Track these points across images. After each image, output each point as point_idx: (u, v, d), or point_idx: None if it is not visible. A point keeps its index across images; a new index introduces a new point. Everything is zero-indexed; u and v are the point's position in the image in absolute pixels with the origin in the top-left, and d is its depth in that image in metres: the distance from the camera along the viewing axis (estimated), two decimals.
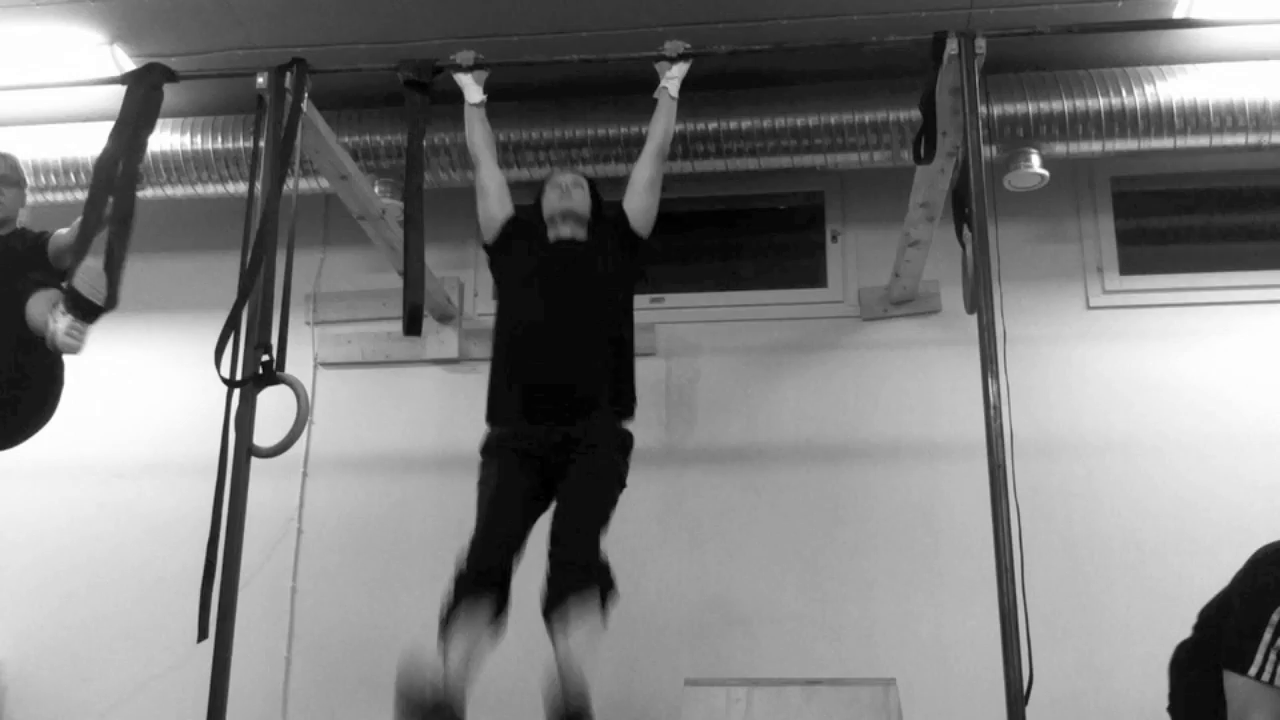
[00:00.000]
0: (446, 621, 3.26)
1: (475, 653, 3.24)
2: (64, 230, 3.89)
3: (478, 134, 3.93)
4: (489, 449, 3.62)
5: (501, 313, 3.82)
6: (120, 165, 3.69)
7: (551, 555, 3.31)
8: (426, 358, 5.34)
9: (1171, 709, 3.27)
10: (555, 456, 3.50)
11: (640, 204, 3.84)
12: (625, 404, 3.69)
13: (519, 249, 3.86)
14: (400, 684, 3.04)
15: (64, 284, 3.62)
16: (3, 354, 3.86)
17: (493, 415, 3.66)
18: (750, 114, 4.78)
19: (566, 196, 3.85)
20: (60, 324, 3.56)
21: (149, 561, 5.10)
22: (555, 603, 3.21)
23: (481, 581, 3.31)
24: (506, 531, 3.41)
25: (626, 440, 3.65)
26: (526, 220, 3.93)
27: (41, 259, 3.96)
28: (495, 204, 3.89)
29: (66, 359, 3.92)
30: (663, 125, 3.87)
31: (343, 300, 5.48)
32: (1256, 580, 3.11)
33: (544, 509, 3.50)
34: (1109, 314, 5.12)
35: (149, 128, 3.80)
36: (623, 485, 3.57)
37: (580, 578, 3.25)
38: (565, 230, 3.84)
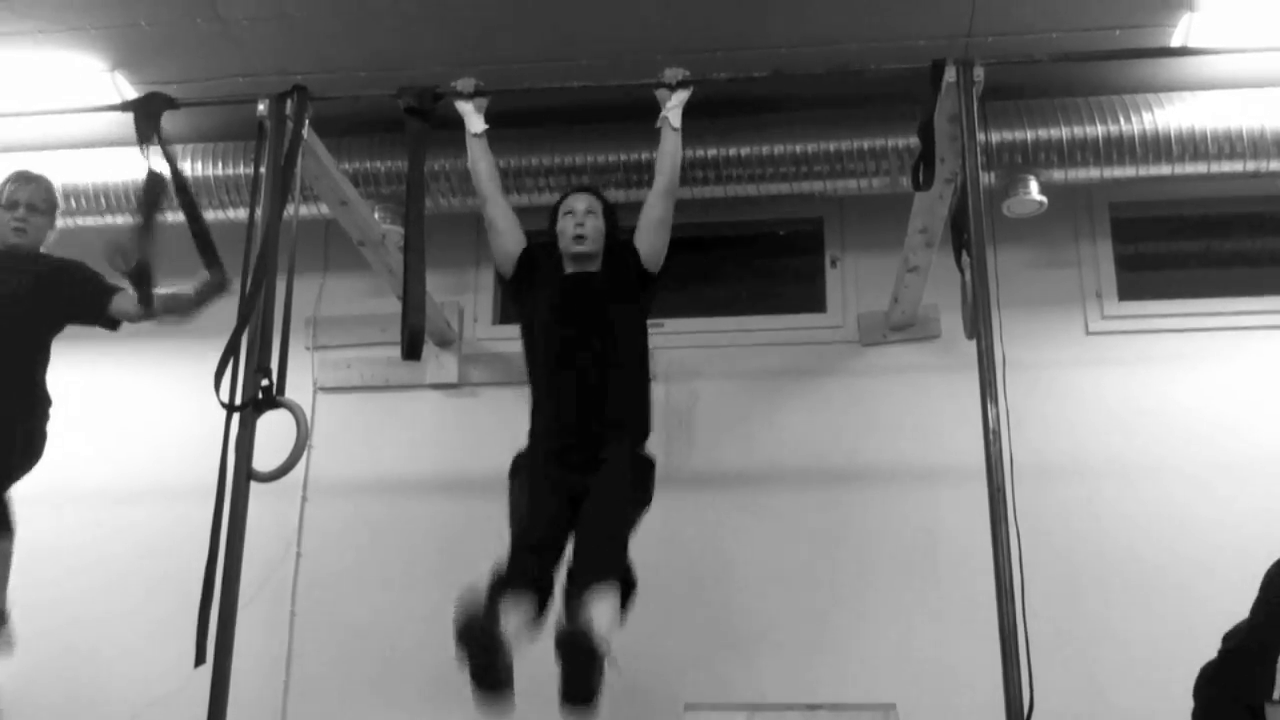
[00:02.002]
0: (490, 605, 3.27)
1: (520, 633, 3.26)
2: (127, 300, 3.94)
3: (482, 168, 3.92)
4: (516, 470, 3.72)
5: (530, 348, 3.90)
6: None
7: (574, 560, 3.42)
8: (426, 382, 5.34)
9: None
10: (580, 476, 3.57)
11: (651, 243, 3.87)
12: (642, 430, 3.81)
13: (537, 282, 3.90)
14: (458, 611, 3.15)
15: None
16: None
17: (532, 435, 3.78)
18: (749, 140, 4.80)
19: (581, 239, 3.84)
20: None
21: (148, 586, 5.09)
22: (575, 595, 3.25)
23: (524, 575, 3.39)
24: (543, 534, 3.49)
25: (645, 463, 3.74)
26: (541, 250, 3.95)
27: (81, 291, 3.99)
28: (509, 240, 3.91)
29: (66, 378, 3.95)
30: (669, 162, 3.85)
31: (342, 325, 5.49)
32: (1269, 604, 3.14)
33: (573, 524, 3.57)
34: (1108, 339, 5.13)
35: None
36: (644, 504, 3.67)
37: (600, 573, 3.31)
38: (579, 266, 3.87)
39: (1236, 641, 3.24)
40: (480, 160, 3.92)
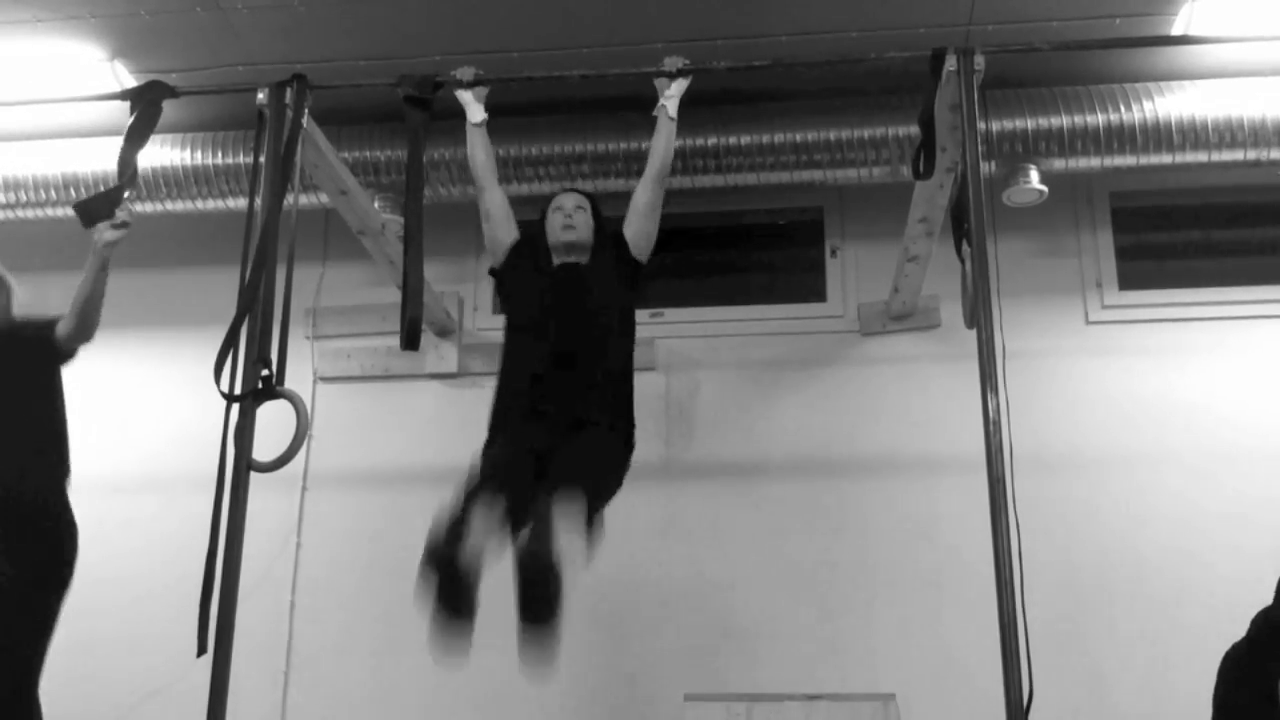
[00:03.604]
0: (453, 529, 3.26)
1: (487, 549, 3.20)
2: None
3: (480, 156, 3.90)
4: (486, 450, 3.58)
5: (509, 339, 3.82)
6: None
7: (545, 482, 3.25)
8: (426, 372, 5.34)
9: (1215, 707, 3.28)
10: (556, 435, 3.44)
11: (640, 229, 3.85)
12: (625, 428, 3.68)
13: (524, 273, 3.86)
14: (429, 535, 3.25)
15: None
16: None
17: (493, 428, 3.65)
18: (750, 129, 4.79)
19: (570, 228, 3.83)
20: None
21: (148, 576, 5.09)
22: (540, 511, 3.11)
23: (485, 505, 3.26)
24: (508, 473, 3.34)
25: (629, 444, 3.62)
26: (530, 243, 3.92)
27: (38, 350, 3.75)
28: (501, 230, 3.90)
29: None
30: (662, 147, 3.85)
31: (342, 315, 5.49)
32: None
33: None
34: (1108, 329, 5.13)
35: (141, 143, 3.80)
36: (619, 482, 3.50)
37: (571, 482, 3.19)
38: (568, 256, 3.85)
39: (1263, 620, 3.24)
40: (478, 149, 3.91)
